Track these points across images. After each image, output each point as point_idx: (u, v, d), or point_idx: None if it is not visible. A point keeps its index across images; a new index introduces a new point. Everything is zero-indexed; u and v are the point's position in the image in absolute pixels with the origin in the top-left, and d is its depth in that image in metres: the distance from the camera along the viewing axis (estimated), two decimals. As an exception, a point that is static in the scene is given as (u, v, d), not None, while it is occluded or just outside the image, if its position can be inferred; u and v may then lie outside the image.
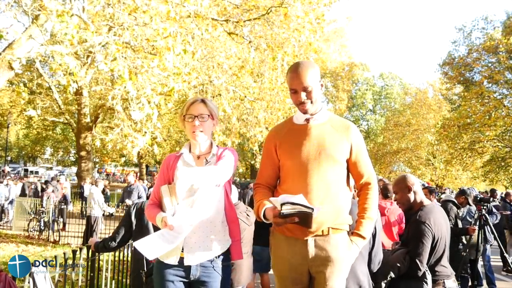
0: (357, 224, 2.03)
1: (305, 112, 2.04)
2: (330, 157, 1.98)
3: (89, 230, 9.67)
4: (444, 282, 2.87)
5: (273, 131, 2.20)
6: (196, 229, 2.07)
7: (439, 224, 2.83)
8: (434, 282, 2.83)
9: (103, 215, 10.47)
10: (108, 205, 10.24)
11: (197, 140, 2.18)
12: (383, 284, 2.75)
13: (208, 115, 2.18)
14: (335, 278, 1.96)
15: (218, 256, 2.13)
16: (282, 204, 1.74)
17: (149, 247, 2.03)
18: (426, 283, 2.76)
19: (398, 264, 2.72)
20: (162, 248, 2.01)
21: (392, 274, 2.72)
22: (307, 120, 2.06)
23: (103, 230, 10.11)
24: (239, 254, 2.22)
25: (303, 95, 1.99)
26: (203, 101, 2.21)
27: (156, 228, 3.25)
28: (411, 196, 2.97)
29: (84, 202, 11.79)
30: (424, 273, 2.76)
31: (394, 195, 3.18)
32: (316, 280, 1.99)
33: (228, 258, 2.19)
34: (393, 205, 4.60)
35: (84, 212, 11.00)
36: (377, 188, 2.10)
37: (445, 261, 2.91)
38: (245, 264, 3.15)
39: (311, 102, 2.01)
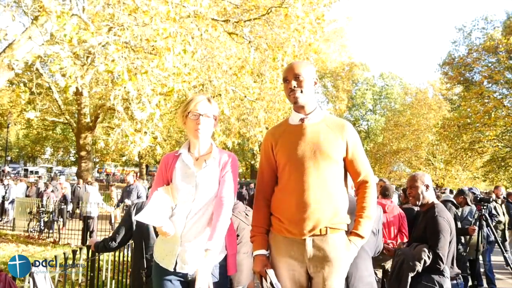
0: (356, 224, 2.03)
1: (295, 101, 2.06)
2: (326, 156, 1.99)
3: (87, 230, 9.70)
4: (456, 280, 2.95)
5: (269, 132, 2.23)
6: (192, 238, 2.06)
7: (452, 222, 2.93)
8: (450, 279, 2.90)
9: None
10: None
11: (198, 138, 2.13)
12: (409, 278, 2.79)
13: (212, 115, 2.16)
14: (334, 278, 1.96)
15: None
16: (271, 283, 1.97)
17: (151, 215, 2.01)
18: (447, 277, 2.82)
19: (425, 258, 2.76)
20: (163, 214, 2.03)
21: (419, 268, 2.76)
22: (302, 120, 2.08)
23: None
24: (234, 267, 2.20)
25: (293, 82, 2.04)
26: (208, 100, 2.18)
27: (156, 229, 3.26)
28: (427, 194, 3.05)
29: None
30: (444, 267, 2.82)
31: (408, 189, 3.20)
32: (314, 280, 2.00)
33: (225, 258, 2.17)
34: (393, 203, 4.62)
35: (80, 212, 11.04)
36: (375, 186, 2.11)
37: (454, 260, 3.00)
38: (245, 264, 3.14)
39: (302, 92, 2.04)
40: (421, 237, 2.93)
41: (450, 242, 2.87)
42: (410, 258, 2.78)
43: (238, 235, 3.14)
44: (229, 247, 2.18)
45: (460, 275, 3.07)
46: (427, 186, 3.05)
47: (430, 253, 2.78)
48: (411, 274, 2.77)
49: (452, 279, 2.92)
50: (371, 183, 2.07)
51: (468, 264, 5.69)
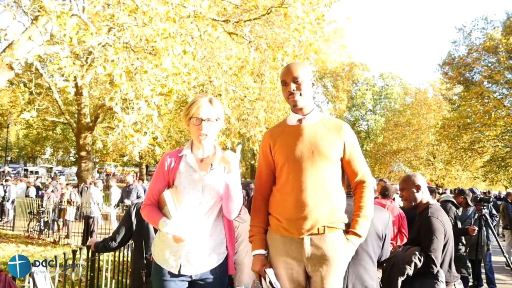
0: (353, 223, 2.05)
1: (294, 104, 2.07)
2: (324, 156, 2.01)
3: (88, 230, 9.69)
4: (455, 285, 2.88)
5: (267, 133, 2.24)
6: (198, 240, 2.06)
7: (448, 223, 2.85)
8: (447, 283, 2.82)
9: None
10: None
11: (202, 144, 2.12)
12: (399, 282, 2.72)
13: (216, 118, 2.12)
14: (332, 277, 1.97)
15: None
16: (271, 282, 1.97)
17: (178, 228, 2.00)
18: (442, 281, 2.74)
19: (415, 260, 2.69)
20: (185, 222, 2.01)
21: (409, 271, 2.68)
22: (300, 120, 2.10)
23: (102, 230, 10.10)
24: (232, 268, 2.22)
25: (292, 86, 2.05)
26: (210, 101, 2.12)
27: (156, 229, 3.26)
28: (419, 195, 2.97)
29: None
30: (438, 270, 2.73)
31: (400, 191, 3.15)
32: (312, 279, 2.01)
33: (226, 258, 2.19)
34: (393, 203, 4.62)
35: (81, 213, 11.03)
36: (372, 186, 2.13)
37: (452, 263, 2.90)
38: (246, 263, 3.14)
39: (300, 95, 2.06)
40: (416, 238, 2.86)
41: (446, 244, 2.78)
42: (400, 261, 2.69)
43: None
44: (230, 247, 2.19)
45: (459, 280, 3.01)
46: (418, 187, 2.96)
47: (422, 255, 2.69)
48: (401, 278, 2.69)
49: (449, 283, 2.85)
50: (368, 183, 2.09)
51: (469, 264, 5.69)
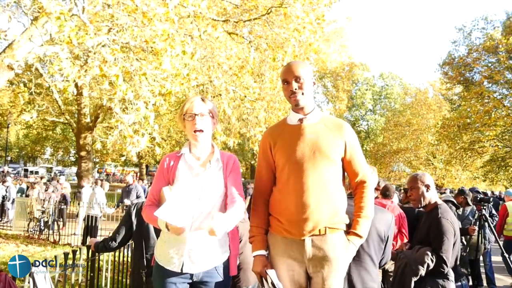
0: (354, 223, 2.04)
1: (296, 103, 2.05)
2: (325, 156, 1.99)
3: (88, 230, 9.67)
4: (461, 281, 2.90)
5: (267, 132, 2.22)
6: (198, 237, 2.05)
7: (456, 224, 2.87)
8: (456, 281, 2.86)
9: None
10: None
11: (198, 141, 2.13)
12: (413, 282, 2.73)
13: (209, 113, 2.15)
14: (333, 278, 1.97)
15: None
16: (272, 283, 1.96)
17: (171, 214, 1.93)
18: (452, 281, 2.77)
19: (428, 261, 2.70)
20: (181, 212, 1.94)
21: (422, 272, 2.69)
22: (301, 120, 2.08)
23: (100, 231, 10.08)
24: (234, 269, 2.21)
25: (294, 84, 2.03)
26: (202, 99, 2.18)
27: (156, 229, 3.26)
28: (428, 195, 2.97)
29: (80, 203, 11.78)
30: (448, 270, 2.76)
31: (409, 190, 3.14)
32: (313, 280, 2.00)
33: (228, 259, 2.18)
34: (393, 203, 4.61)
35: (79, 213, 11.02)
36: (372, 186, 2.12)
37: (457, 262, 2.93)
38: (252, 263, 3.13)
39: (302, 94, 2.04)
40: (425, 239, 2.86)
41: (455, 243, 2.80)
42: (412, 262, 2.71)
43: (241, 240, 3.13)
44: (232, 247, 2.19)
45: (464, 276, 3.03)
46: (427, 186, 2.97)
47: (434, 256, 2.71)
48: (414, 279, 2.71)
49: (456, 280, 2.87)
50: (368, 183, 2.08)
51: (469, 264, 5.69)
